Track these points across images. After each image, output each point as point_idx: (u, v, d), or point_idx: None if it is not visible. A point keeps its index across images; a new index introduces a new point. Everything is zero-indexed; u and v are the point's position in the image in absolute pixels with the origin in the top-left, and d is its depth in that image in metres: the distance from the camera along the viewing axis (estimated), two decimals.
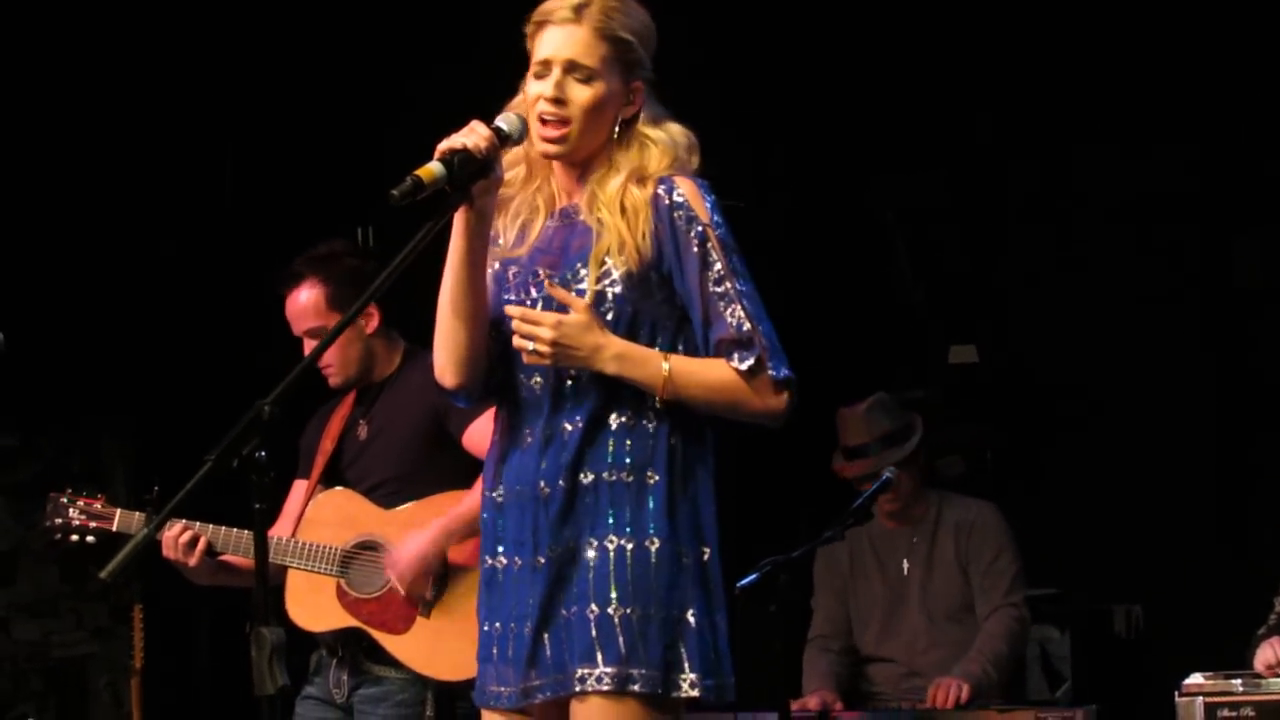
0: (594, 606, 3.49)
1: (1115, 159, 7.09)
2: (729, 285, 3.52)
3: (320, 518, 5.29)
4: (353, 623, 5.18)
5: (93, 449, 7.84)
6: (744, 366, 3.53)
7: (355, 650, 5.21)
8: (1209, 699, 5.01)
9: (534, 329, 3.52)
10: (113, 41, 7.23)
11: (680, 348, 3.59)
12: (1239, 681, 5.05)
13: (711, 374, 3.54)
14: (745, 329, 3.52)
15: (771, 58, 7.11)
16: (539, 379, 3.59)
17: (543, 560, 3.54)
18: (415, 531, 5.13)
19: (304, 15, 7.23)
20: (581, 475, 3.53)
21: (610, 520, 3.51)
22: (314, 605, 5.19)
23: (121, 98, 7.29)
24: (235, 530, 5.22)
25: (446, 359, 3.67)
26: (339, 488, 5.34)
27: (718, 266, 3.53)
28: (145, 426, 7.59)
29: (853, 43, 7.17)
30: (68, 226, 7.39)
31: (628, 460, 3.53)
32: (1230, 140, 6.97)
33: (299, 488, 5.42)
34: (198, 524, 5.21)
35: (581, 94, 3.56)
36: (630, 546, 3.50)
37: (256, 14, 7.21)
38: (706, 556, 3.57)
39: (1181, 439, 6.99)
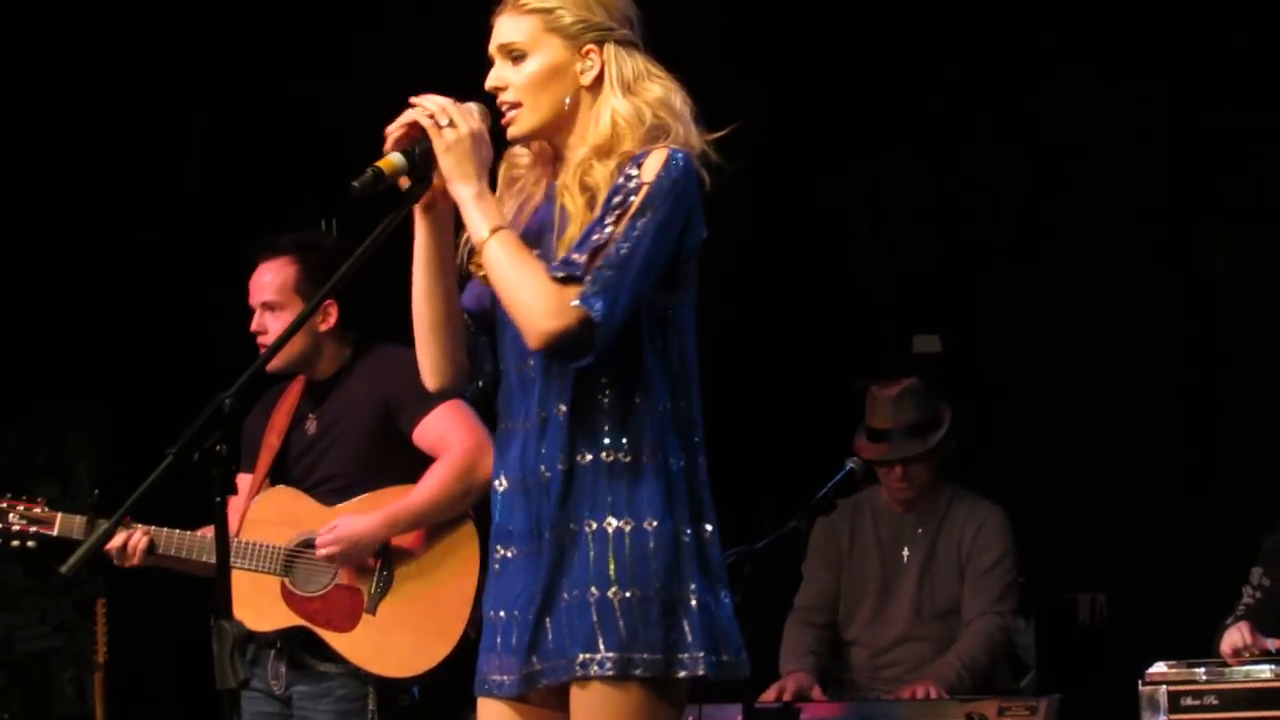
0: (594, 589, 3.47)
1: (1080, 146, 7.10)
2: (612, 225, 3.45)
3: (263, 516, 5.26)
4: (298, 622, 5.16)
5: (57, 440, 7.80)
6: (558, 274, 3.44)
7: (294, 644, 5.19)
8: (1173, 688, 5.03)
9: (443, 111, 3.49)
10: (71, 25, 7.20)
11: (652, 321, 3.55)
12: (1203, 670, 5.07)
13: (527, 263, 3.46)
14: (584, 257, 3.44)
15: (734, 40, 7.09)
16: (532, 362, 3.56)
17: (544, 545, 3.53)
18: (359, 515, 5.12)
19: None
20: (579, 457, 3.51)
21: (608, 501, 3.49)
22: (258, 605, 5.14)
23: (85, 91, 7.26)
24: (180, 531, 5.19)
25: (422, 361, 3.64)
26: (281, 486, 5.31)
27: (617, 211, 3.46)
28: (110, 418, 7.56)
29: (816, 26, 7.16)
30: (31, 215, 7.35)
31: (624, 440, 3.50)
32: (1194, 127, 6.98)
33: (244, 482, 5.38)
34: (140, 527, 5.19)
35: (516, 74, 3.58)
36: (629, 528, 3.48)
37: None
38: (707, 535, 3.55)
39: (1146, 426, 7.00)
